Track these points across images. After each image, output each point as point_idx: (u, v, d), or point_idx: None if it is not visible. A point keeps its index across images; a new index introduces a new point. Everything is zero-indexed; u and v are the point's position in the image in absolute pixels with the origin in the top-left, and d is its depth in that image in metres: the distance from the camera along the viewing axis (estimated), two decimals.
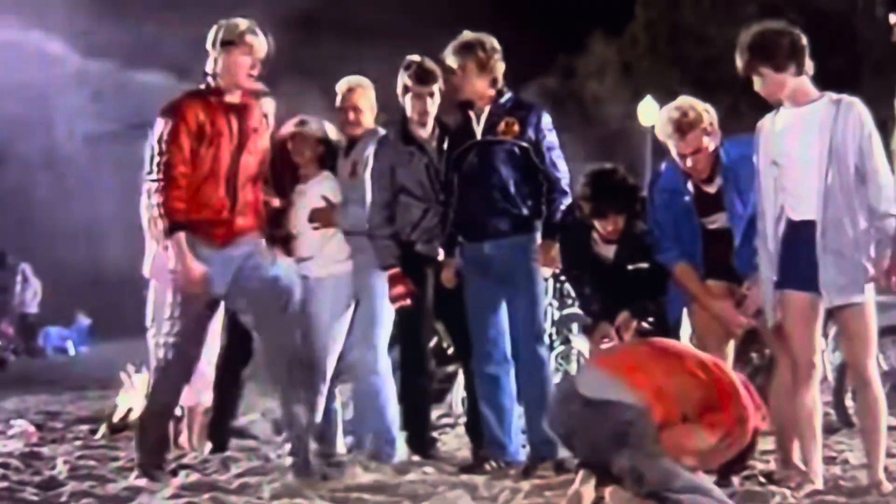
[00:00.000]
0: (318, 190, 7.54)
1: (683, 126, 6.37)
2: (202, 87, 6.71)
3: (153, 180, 6.51)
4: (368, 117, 7.55)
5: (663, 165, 6.70)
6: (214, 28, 6.70)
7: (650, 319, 7.05)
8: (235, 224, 6.65)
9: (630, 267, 6.88)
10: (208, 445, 7.80)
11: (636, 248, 6.83)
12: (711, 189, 6.49)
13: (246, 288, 6.63)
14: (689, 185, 6.50)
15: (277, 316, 6.58)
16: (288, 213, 7.58)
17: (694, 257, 6.53)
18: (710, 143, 6.43)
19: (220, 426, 7.90)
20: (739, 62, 6.08)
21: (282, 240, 7.51)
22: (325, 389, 7.34)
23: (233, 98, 6.69)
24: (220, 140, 6.59)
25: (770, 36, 6.07)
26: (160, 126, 6.55)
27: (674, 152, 6.46)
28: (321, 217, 7.45)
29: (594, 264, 6.99)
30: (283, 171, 7.70)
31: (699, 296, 6.53)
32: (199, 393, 7.89)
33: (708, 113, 6.45)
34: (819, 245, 5.89)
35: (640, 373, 5.57)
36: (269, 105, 7.90)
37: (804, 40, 6.07)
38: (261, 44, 6.68)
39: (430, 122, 7.33)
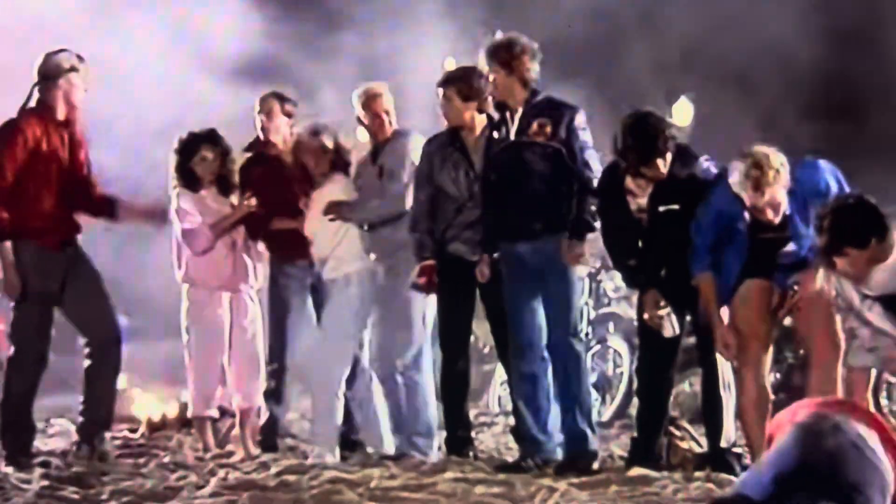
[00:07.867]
0: (329, 192, 7.63)
1: (763, 184, 6.26)
2: (33, 104, 7.32)
3: None
4: (394, 118, 7.64)
5: (714, 174, 6.67)
6: (43, 60, 7.33)
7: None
8: (67, 229, 7.39)
9: (661, 209, 6.76)
10: (258, 448, 7.90)
11: (670, 188, 6.72)
12: (775, 220, 6.41)
13: (72, 284, 7.36)
14: (746, 215, 6.43)
15: (94, 303, 7.44)
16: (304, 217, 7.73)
17: (731, 270, 6.54)
18: (784, 196, 6.34)
19: (274, 428, 8.02)
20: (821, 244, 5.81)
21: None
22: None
23: (62, 116, 7.31)
24: (55, 154, 7.26)
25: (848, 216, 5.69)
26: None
27: (748, 202, 6.34)
28: (336, 210, 7.53)
29: (632, 224, 6.88)
30: (289, 178, 7.91)
31: (710, 309, 6.59)
32: (251, 396, 7.96)
33: (784, 167, 6.30)
34: None
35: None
36: (275, 105, 8.00)
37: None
38: (87, 67, 7.38)
39: (478, 128, 7.36)
